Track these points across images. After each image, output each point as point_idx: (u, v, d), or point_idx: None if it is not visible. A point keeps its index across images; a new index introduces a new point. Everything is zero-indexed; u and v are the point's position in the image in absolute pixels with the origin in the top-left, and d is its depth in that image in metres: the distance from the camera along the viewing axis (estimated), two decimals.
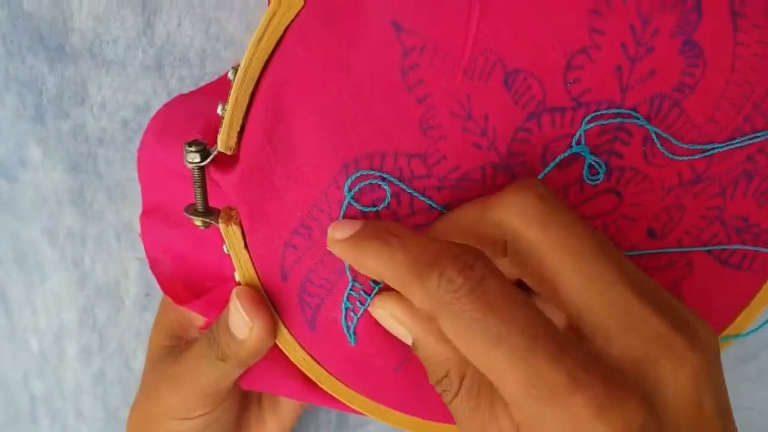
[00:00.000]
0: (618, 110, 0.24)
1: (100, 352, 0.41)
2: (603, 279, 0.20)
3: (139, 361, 0.41)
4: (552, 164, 0.25)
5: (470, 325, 0.20)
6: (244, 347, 0.29)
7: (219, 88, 0.33)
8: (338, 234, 0.24)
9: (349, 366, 0.30)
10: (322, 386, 0.31)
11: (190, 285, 0.33)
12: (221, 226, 0.28)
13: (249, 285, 0.29)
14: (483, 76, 0.23)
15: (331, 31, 0.24)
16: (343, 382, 0.30)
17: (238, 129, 0.26)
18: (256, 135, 0.26)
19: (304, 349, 0.30)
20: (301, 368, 0.31)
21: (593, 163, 0.26)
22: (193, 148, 0.27)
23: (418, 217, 0.26)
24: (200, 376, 0.30)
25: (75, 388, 0.42)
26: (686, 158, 0.26)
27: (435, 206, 0.25)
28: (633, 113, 0.25)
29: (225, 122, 0.26)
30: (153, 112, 0.32)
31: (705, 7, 0.23)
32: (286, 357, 0.31)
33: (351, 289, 0.27)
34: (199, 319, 0.33)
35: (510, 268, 0.23)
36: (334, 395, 0.31)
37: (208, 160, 0.27)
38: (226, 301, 0.30)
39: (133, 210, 0.38)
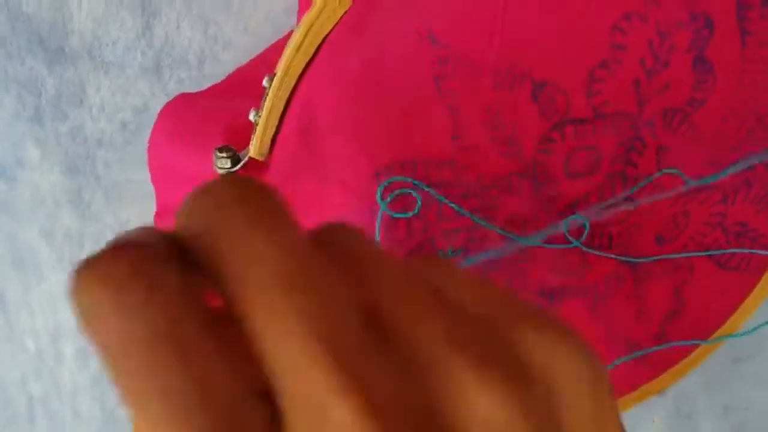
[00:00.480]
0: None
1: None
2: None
3: None
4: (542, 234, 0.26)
5: (137, 376, 0.15)
6: None
7: (225, 91, 0.34)
8: None
9: None
10: None
11: None
12: None
13: None
14: (512, 89, 0.24)
15: (364, 42, 0.24)
16: None
17: (272, 135, 0.26)
18: (290, 142, 0.26)
19: None
20: None
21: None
22: (224, 154, 0.27)
23: (445, 222, 0.26)
24: None
25: (72, 388, 0.42)
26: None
27: (463, 212, 0.26)
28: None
29: (259, 128, 0.26)
30: (151, 114, 0.32)
31: (716, 24, 0.24)
32: None
33: None
34: None
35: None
36: None
37: (240, 165, 0.27)
38: None
39: (130, 211, 0.38)
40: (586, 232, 0.27)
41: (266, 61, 0.33)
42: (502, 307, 0.14)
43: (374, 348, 0.12)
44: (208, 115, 0.31)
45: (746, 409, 0.42)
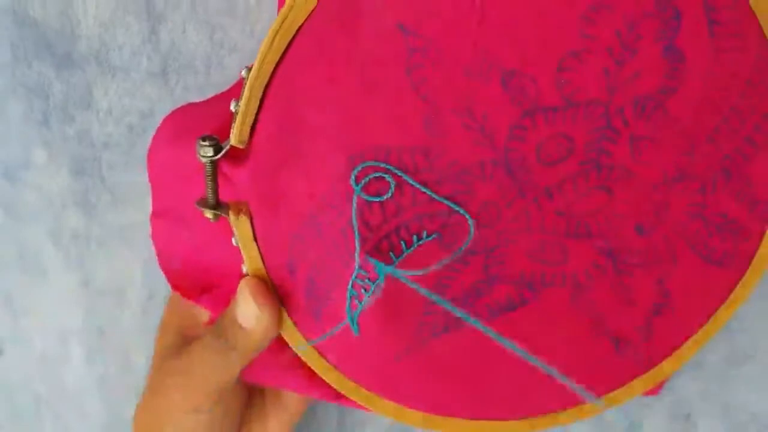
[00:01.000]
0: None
1: (104, 353, 0.42)
2: None
3: (142, 363, 0.42)
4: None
5: None
6: (251, 337, 0.30)
7: (226, 97, 0.34)
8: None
9: (351, 358, 0.30)
10: (324, 378, 0.31)
11: (198, 281, 0.34)
12: (231, 217, 0.29)
13: (257, 276, 0.30)
14: (482, 76, 0.25)
15: (340, 31, 0.25)
16: (344, 374, 0.31)
17: (251, 123, 0.27)
18: (268, 129, 0.27)
19: (307, 340, 0.31)
20: (303, 360, 0.31)
21: None
22: (206, 143, 0.28)
23: (419, 207, 0.27)
24: (206, 369, 0.31)
25: (78, 389, 0.43)
26: None
27: (436, 198, 0.27)
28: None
29: (238, 117, 0.27)
30: (157, 118, 0.33)
31: (684, 15, 0.25)
32: (289, 350, 0.31)
33: (356, 277, 0.28)
34: (205, 317, 0.34)
35: None
36: (336, 387, 0.31)
37: (221, 153, 0.28)
38: (232, 297, 0.30)
39: (136, 213, 0.39)
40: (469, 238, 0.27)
41: None
42: None
43: None
44: (207, 115, 0.32)
45: (743, 412, 0.42)
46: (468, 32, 0.25)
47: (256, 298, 0.29)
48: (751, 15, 0.26)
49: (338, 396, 0.32)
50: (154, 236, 0.34)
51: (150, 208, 0.38)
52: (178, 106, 0.34)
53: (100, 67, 0.36)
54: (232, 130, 0.27)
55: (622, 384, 0.33)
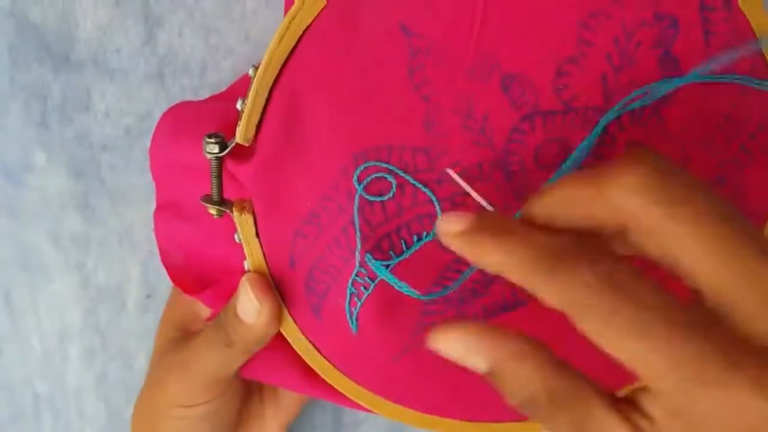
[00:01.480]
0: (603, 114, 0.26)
1: (103, 353, 0.42)
2: (737, 256, 0.19)
3: (141, 362, 0.42)
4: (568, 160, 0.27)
5: (608, 320, 0.20)
6: (251, 332, 0.30)
7: (223, 97, 0.35)
8: (453, 227, 0.22)
9: (349, 356, 0.31)
10: (323, 376, 0.31)
11: (199, 277, 0.34)
12: (235, 214, 0.29)
13: (258, 272, 0.30)
14: (483, 79, 0.25)
15: (345, 32, 0.26)
16: (343, 373, 0.31)
17: (257, 122, 0.28)
18: (273, 127, 0.28)
19: (307, 337, 0.31)
20: (302, 357, 0.32)
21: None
22: (212, 140, 0.29)
23: (420, 207, 0.27)
24: (206, 363, 0.31)
25: (77, 388, 0.43)
26: None
27: (435, 200, 0.27)
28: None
29: (245, 115, 0.27)
30: (155, 120, 0.33)
31: (681, 24, 0.25)
32: (288, 348, 0.32)
33: (356, 275, 0.28)
34: (206, 313, 0.34)
35: (622, 245, 0.22)
36: (334, 385, 0.32)
37: (227, 151, 0.29)
38: (233, 293, 0.31)
39: (135, 214, 0.39)
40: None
41: None
42: None
43: None
44: (208, 113, 0.32)
45: None
46: (469, 34, 0.25)
47: (257, 293, 0.30)
48: (745, 22, 0.26)
49: (336, 395, 0.32)
50: (157, 231, 0.35)
51: (148, 209, 0.38)
52: None
53: (98, 70, 0.36)
54: (237, 128, 0.28)
55: (617, 387, 0.33)
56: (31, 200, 0.39)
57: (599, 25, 0.25)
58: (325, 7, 0.26)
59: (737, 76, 0.26)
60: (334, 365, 0.31)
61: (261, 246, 0.30)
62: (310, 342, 0.31)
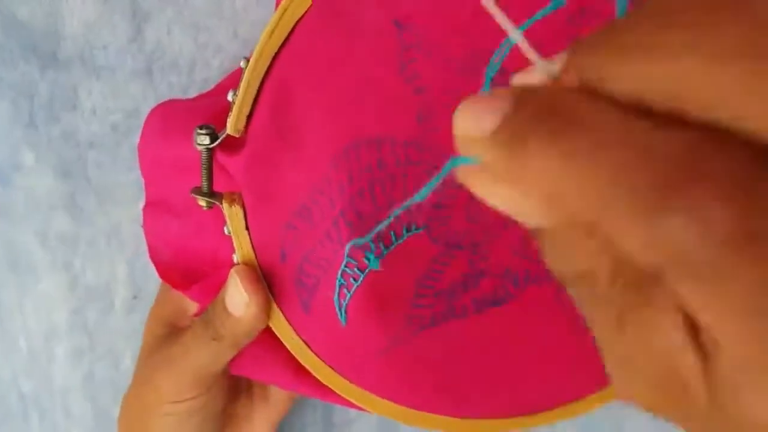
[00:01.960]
0: None
1: (90, 353, 0.42)
2: None
3: (128, 362, 0.42)
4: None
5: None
6: (239, 325, 0.30)
7: (213, 94, 0.35)
8: (481, 125, 0.15)
9: (338, 350, 0.31)
10: (311, 371, 0.31)
11: (187, 273, 0.34)
12: (224, 206, 0.30)
13: (247, 265, 0.30)
14: (474, 73, 0.26)
15: (337, 26, 0.26)
16: (332, 367, 0.31)
17: (247, 113, 0.28)
18: (264, 119, 0.28)
19: (296, 332, 0.31)
20: (292, 352, 0.31)
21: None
22: (203, 131, 0.29)
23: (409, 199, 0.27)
24: (194, 357, 0.31)
25: (64, 388, 0.43)
26: None
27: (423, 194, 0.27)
28: None
29: (236, 106, 0.28)
30: (142, 117, 0.33)
31: None
32: (278, 344, 0.31)
33: (345, 266, 0.28)
34: (194, 310, 0.34)
35: None
36: (322, 381, 0.31)
37: (217, 142, 0.29)
38: (221, 288, 0.31)
39: (122, 213, 0.39)
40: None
41: None
42: None
43: None
44: (195, 107, 0.32)
45: None
46: (460, 29, 0.25)
47: (246, 286, 0.29)
48: None
49: (326, 392, 0.32)
50: (146, 227, 0.35)
51: (136, 208, 0.38)
52: None
53: (85, 67, 0.36)
54: (228, 119, 0.28)
55: (604, 384, 0.33)
56: (19, 200, 0.39)
57: (587, 21, 0.25)
58: (315, 0, 0.26)
59: None
60: (323, 360, 0.31)
61: (250, 239, 0.30)
62: (299, 336, 0.31)
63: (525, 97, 0.15)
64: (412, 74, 0.26)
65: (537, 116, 0.14)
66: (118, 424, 0.35)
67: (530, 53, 0.17)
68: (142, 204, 0.35)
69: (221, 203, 0.30)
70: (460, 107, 0.16)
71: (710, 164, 0.12)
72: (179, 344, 0.32)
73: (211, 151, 0.29)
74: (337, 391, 0.32)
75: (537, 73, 0.16)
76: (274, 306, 0.31)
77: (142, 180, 0.35)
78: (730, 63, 0.12)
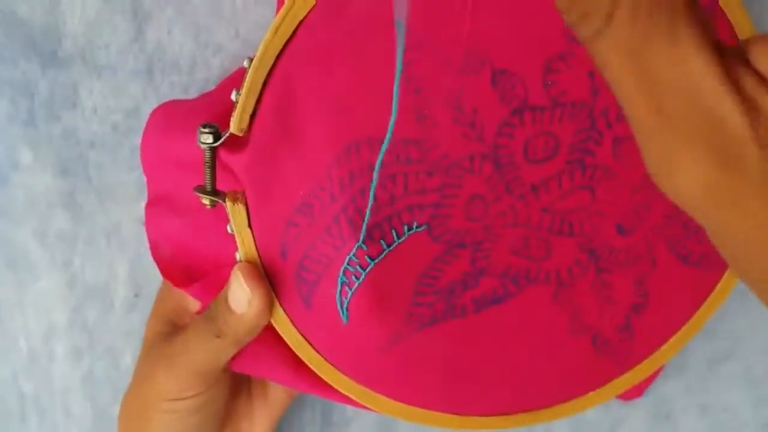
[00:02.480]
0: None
1: (90, 352, 0.42)
2: None
3: (128, 362, 0.42)
4: None
5: None
6: (242, 322, 0.30)
7: (215, 94, 0.35)
8: None
9: (339, 347, 0.31)
10: (312, 368, 0.32)
11: (189, 271, 0.34)
12: (228, 204, 0.30)
13: (250, 263, 0.30)
14: (473, 74, 0.26)
15: (339, 26, 0.27)
16: (332, 364, 0.31)
17: (251, 112, 0.28)
18: (267, 118, 0.28)
19: (297, 329, 0.31)
20: (292, 349, 0.32)
21: None
22: (207, 130, 0.29)
23: (410, 198, 0.28)
24: (195, 354, 0.31)
25: (64, 387, 0.43)
26: None
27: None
28: None
29: (239, 105, 0.28)
30: (143, 117, 0.33)
31: None
32: (279, 341, 0.32)
33: (348, 263, 0.28)
34: (195, 308, 0.34)
35: None
36: (324, 377, 0.32)
37: (221, 141, 0.29)
38: (222, 286, 0.31)
39: (122, 212, 0.39)
40: None
41: None
42: None
43: None
44: (197, 106, 0.33)
45: (724, 410, 0.43)
46: (460, 30, 0.26)
47: (248, 282, 0.30)
48: (726, 24, 0.26)
49: (326, 389, 0.32)
50: (148, 225, 0.35)
51: (136, 207, 0.38)
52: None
53: (86, 66, 0.36)
54: (232, 118, 0.28)
55: (600, 384, 0.34)
56: (18, 198, 0.39)
57: None
58: (318, 1, 0.27)
59: None
60: (324, 357, 0.31)
61: (253, 236, 0.30)
62: (301, 333, 0.31)
63: None
64: (412, 74, 0.26)
65: None
66: (118, 422, 0.35)
67: None
68: (143, 203, 0.35)
69: (224, 201, 0.30)
70: None
71: None
72: (180, 341, 0.32)
73: (214, 150, 0.29)
74: (337, 388, 0.32)
75: None
76: (276, 302, 0.31)
77: (143, 179, 0.35)
78: None
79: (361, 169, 0.27)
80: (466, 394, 0.31)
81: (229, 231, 0.30)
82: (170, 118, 0.33)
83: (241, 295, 0.30)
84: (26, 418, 0.43)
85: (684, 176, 0.17)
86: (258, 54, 0.27)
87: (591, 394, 0.33)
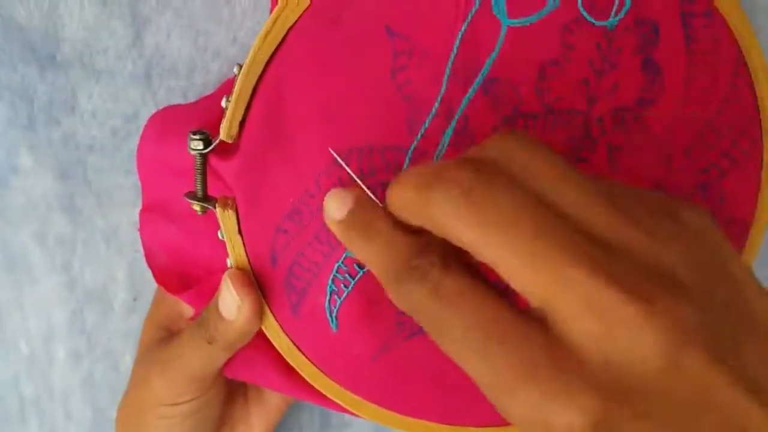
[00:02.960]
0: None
1: (89, 354, 0.42)
2: (549, 265, 0.19)
3: (127, 364, 0.42)
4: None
5: (438, 335, 0.21)
6: (232, 328, 0.30)
7: (211, 99, 0.35)
8: (333, 214, 0.24)
9: (328, 354, 0.31)
10: (303, 375, 0.32)
11: (183, 277, 0.34)
12: (218, 210, 0.30)
13: (240, 269, 0.31)
14: (464, 81, 0.26)
15: (330, 32, 0.26)
16: (322, 371, 0.31)
17: (240, 119, 0.28)
18: (256, 124, 0.28)
19: (287, 335, 0.31)
20: (283, 355, 0.32)
21: None
22: (197, 136, 0.29)
23: None
24: (188, 360, 0.31)
25: (64, 390, 0.43)
26: None
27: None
28: None
29: (228, 112, 0.28)
30: (141, 122, 0.33)
31: (662, 30, 0.25)
32: (270, 347, 0.32)
33: (336, 272, 0.28)
34: (189, 313, 0.34)
35: None
36: (314, 385, 0.32)
37: (211, 147, 0.29)
38: (215, 293, 0.31)
39: (121, 216, 0.39)
40: None
41: None
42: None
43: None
44: (193, 112, 0.33)
45: None
46: (452, 37, 0.25)
47: (238, 289, 0.30)
48: (724, 28, 0.26)
49: (318, 396, 0.32)
50: (142, 231, 0.35)
51: (134, 211, 0.38)
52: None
53: (85, 71, 0.36)
54: (222, 125, 0.28)
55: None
56: (17, 202, 0.39)
57: (582, 30, 0.25)
58: (309, 6, 0.27)
59: None
60: (314, 364, 0.31)
61: (243, 242, 0.30)
62: (291, 340, 0.31)
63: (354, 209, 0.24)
64: (403, 81, 0.26)
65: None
66: (116, 426, 0.36)
67: (368, 192, 0.24)
68: (140, 208, 0.35)
69: (215, 207, 0.30)
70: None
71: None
72: (174, 347, 0.32)
73: (204, 157, 0.29)
74: (328, 395, 0.32)
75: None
76: (266, 309, 0.31)
77: (140, 179, 0.35)
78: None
79: (350, 177, 0.27)
80: (456, 403, 0.31)
81: (220, 237, 0.30)
82: (166, 124, 0.33)
83: (231, 301, 0.30)
84: (26, 420, 0.44)
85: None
86: (247, 61, 0.27)
87: None
